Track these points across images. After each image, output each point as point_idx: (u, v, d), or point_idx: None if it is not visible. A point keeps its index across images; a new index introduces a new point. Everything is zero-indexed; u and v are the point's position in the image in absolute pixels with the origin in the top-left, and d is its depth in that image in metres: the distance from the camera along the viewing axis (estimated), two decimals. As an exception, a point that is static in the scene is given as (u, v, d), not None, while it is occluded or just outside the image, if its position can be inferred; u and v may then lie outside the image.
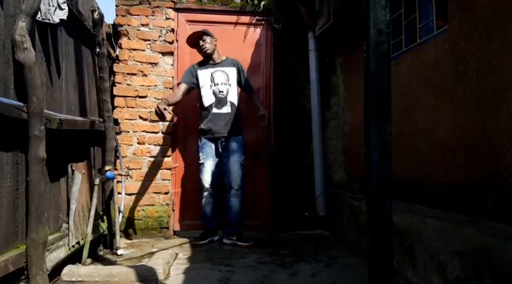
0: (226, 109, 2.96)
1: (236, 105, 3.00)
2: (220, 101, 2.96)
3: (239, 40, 3.44)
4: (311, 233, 3.28)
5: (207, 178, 2.93)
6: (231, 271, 2.27)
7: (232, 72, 3.02)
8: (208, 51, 2.97)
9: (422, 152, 2.26)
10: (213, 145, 2.97)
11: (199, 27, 3.39)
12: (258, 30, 3.48)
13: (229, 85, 2.99)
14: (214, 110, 2.95)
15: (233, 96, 2.99)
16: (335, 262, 2.45)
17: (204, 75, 2.99)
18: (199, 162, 2.97)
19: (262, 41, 3.48)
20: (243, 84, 3.05)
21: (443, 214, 1.91)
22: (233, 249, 2.82)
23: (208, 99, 2.97)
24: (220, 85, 2.97)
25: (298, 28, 3.39)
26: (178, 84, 3.03)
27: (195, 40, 3.00)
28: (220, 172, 2.98)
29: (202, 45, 2.97)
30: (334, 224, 3.18)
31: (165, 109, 2.61)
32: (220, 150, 2.97)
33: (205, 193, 2.94)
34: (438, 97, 2.13)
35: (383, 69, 1.10)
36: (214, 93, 2.97)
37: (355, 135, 3.20)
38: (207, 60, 3.03)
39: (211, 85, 2.97)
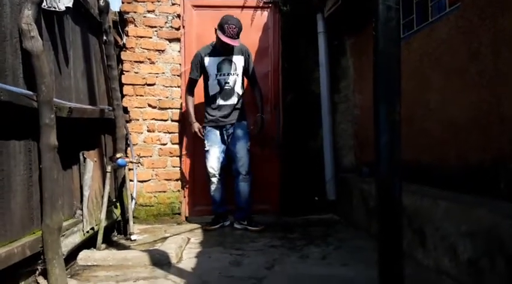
0: (233, 100, 2.94)
1: (241, 94, 2.98)
2: (227, 92, 2.93)
3: (246, 24, 3.37)
4: (320, 217, 3.29)
5: (213, 165, 2.95)
6: (242, 255, 2.30)
7: (240, 61, 2.96)
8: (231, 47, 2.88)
9: (434, 133, 2.22)
10: (217, 132, 2.97)
11: (205, 12, 3.34)
12: (266, 13, 3.42)
13: (237, 75, 2.94)
14: (221, 102, 2.93)
15: (239, 86, 2.97)
16: (344, 245, 2.46)
17: (211, 63, 2.93)
18: (205, 149, 2.98)
19: (270, 24, 3.42)
20: (248, 73, 3.01)
21: (454, 195, 1.88)
22: (244, 233, 2.85)
23: (213, 88, 2.94)
24: (227, 76, 2.92)
25: (307, 10, 3.32)
26: (188, 85, 3.03)
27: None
28: (227, 158, 3.00)
29: (233, 45, 2.84)
30: (344, 208, 3.18)
31: (199, 130, 3.00)
32: (225, 137, 2.98)
33: (213, 179, 2.97)
34: (450, 76, 2.07)
35: (392, 46, 1.07)
36: (219, 83, 2.93)
37: (365, 118, 3.16)
38: (218, 49, 2.92)
39: (217, 75, 2.92)
